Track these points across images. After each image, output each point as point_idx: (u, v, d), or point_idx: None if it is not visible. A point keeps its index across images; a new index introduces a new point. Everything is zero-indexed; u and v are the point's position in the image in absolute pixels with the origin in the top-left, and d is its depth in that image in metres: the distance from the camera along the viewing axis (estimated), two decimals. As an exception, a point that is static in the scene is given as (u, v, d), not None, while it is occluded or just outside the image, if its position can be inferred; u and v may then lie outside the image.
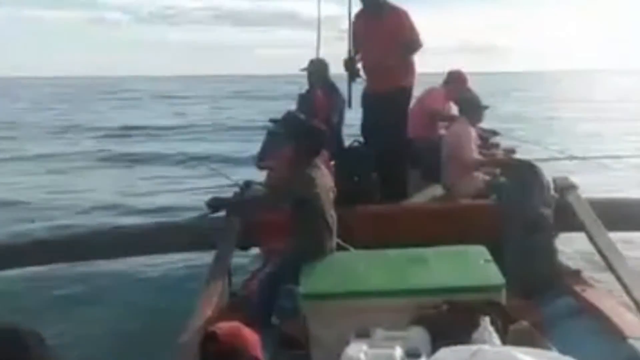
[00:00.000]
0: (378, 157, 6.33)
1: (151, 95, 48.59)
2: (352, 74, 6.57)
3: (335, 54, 6.93)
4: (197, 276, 5.61)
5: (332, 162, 6.01)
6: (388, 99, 6.34)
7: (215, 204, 5.11)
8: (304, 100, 6.91)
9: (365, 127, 6.64)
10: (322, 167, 4.84)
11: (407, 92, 6.54)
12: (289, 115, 6.22)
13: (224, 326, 2.62)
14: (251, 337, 2.61)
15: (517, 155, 6.88)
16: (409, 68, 6.48)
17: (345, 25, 6.61)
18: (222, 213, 5.30)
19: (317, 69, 6.94)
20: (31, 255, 5.43)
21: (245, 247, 5.35)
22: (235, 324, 2.71)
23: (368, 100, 6.57)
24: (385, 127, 6.36)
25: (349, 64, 6.55)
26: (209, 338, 2.56)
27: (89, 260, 6.10)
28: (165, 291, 7.56)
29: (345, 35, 6.59)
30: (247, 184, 5.69)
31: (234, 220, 5.12)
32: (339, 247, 4.75)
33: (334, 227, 4.69)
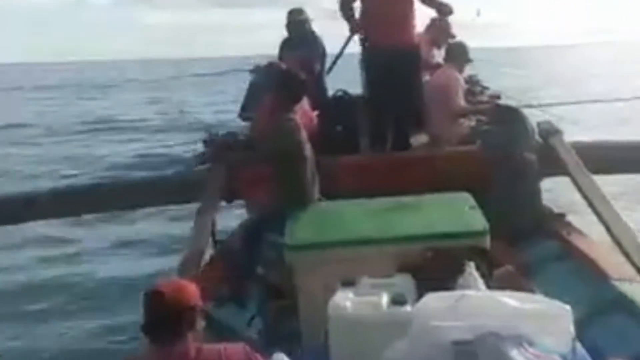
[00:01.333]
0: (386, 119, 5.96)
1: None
2: (349, 19, 6.13)
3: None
4: (182, 228, 5.61)
5: (316, 112, 5.94)
6: (403, 56, 5.90)
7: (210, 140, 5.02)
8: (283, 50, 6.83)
9: (375, 87, 6.10)
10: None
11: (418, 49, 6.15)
12: (269, 65, 6.14)
13: (165, 284, 2.55)
14: (192, 289, 2.56)
15: (502, 101, 6.83)
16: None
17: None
18: (205, 165, 5.27)
19: (296, 19, 6.82)
20: (17, 212, 5.41)
21: (229, 200, 5.33)
22: (173, 280, 2.68)
23: (379, 58, 6.00)
24: (403, 90, 5.87)
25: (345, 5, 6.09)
26: (155, 297, 2.48)
27: (74, 216, 6.08)
28: (151, 243, 7.59)
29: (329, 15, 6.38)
30: (232, 134, 5.63)
31: (218, 172, 5.08)
32: (322, 198, 4.73)
33: (316, 177, 4.67)
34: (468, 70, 6.92)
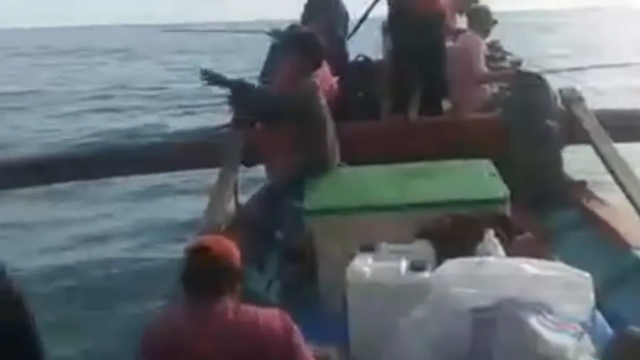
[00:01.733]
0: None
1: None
2: None
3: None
4: (203, 193, 5.62)
5: (336, 78, 5.91)
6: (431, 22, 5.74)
7: (212, 78, 4.90)
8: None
9: (403, 53, 5.88)
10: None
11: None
12: (290, 29, 6.09)
13: (212, 241, 2.53)
14: (236, 250, 2.55)
15: (524, 68, 6.75)
16: None
17: None
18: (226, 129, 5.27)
19: None
20: (31, 175, 5.44)
21: (249, 164, 5.34)
22: (218, 238, 2.64)
23: (408, 23, 5.77)
24: (431, 57, 5.73)
25: None
26: (201, 252, 2.46)
27: (95, 179, 6.13)
28: (172, 207, 7.65)
29: None
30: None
31: (238, 136, 5.08)
32: (342, 164, 4.72)
33: (336, 142, 4.65)
34: (492, 36, 6.82)
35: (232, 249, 2.53)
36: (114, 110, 14.35)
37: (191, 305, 2.48)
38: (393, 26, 6.00)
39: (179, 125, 11.48)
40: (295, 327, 2.55)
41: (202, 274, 2.43)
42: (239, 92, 4.82)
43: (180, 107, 13.89)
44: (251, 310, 2.50)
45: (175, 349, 2.41)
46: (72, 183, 6.53)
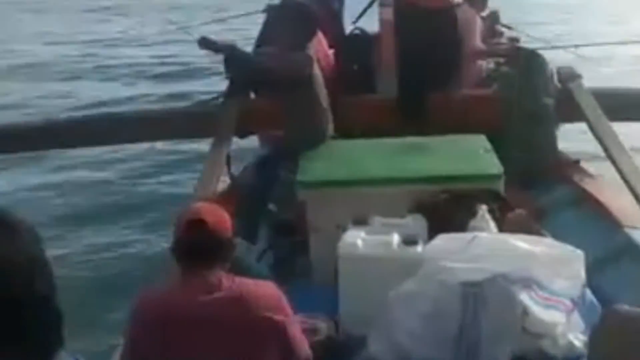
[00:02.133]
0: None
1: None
2: None
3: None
4: (197, 162, 5.60)
5: (332, 50, 5.86)
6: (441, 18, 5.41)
7: (208, 44, 4.89)
8: None
9: (409, 55, 5.48)
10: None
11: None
12: (285, 1, 6.03)
13: (206, 211, 2.50)
14: (229, 220, 2.53)
15: (522, 44, 6.71)
16: None
17: None
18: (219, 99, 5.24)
19: None
20: (25, 140, 5.42)
21: (243, 135, 5.30)
22: (212, 206, 2.61)
23: (415, 20, 5.43)
24: (443, 59, 5.39)
25: None
26: (195, 224, 2.43)
27: (85, 147, 6.09)
28: (164, 177, 7.62)
29: None
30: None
31: (231, 106, 5.05)
32: (336, 136, 4.70)
33: (329, 115, 4.63)
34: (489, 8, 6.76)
35: (225, 219, 2.51)
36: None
37: (183, 275, 2.47)
38: (399, 22, 5.60)
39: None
40: (285, 299, 2.55)
41: (196, 245, 2.43)
42: (234, 57, 4.79)
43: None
44: (243, 281, 2.49)
45: (166, 318, 2.41)
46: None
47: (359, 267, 3.16)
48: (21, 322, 1.05)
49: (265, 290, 2.51)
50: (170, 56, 14.60)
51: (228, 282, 2.44)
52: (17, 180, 7.62)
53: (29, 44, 17.02)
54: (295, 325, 2.59)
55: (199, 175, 4.41)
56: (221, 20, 8.29)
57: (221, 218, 2.50)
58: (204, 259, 2.44)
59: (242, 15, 7.06)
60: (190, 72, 13.04)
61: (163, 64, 14.36)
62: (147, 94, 11.63)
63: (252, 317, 2.41)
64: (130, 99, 11.16)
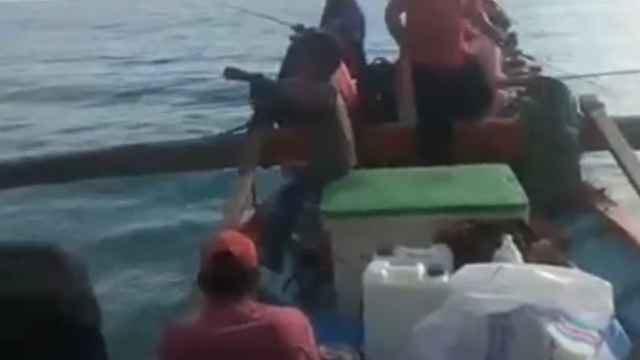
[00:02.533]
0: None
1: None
2: (398, 37, 5.60)
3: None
4: (220, 194, 5.64)
5: (354, 81, 5.91)
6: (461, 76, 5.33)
7: (234, 73, 4.95)
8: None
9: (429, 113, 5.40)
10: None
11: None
12: (308, 31, 6.10)
13: (232, 241, 2.51)
14: (254, 249, 2.56)
15: (544, 74, 6.72)
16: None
17: None
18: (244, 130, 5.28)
19: None
20: (42, 174, 5.49)
21: (266, 165, 5.35)
22: (238, 236, 2.62)
23: (430, 80, 5.33)
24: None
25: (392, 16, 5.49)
26: (222, 256, 2.45)
27: (108, 177, 6.14)
28: (190, 209, 7.66)
29: None
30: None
31: (255, 136, 5.09)
32: (359, 166, 4.72)
33: (352, 145, 4.65)
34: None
35: (251, 248, 2.54)
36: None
37: (211, 306, 2.49)
38: (415, 83, 5.51)
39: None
40: (310, 329, 2.56)
41: (223, 277, 2.44)
42: (260, 85, 4.85)
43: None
44: (273, 310, 2.51)
45: (197, 351, 2.42)
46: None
47: (384, 297, 3.15)
48: (68, 352, 1.07)
49: (294, 319, 2.53)
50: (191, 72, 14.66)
51: (258, 312, 2.46)
52: (41, 209, 7.70)
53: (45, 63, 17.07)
54: (320, 354, 2.59)
55: (224, 205, 4.44)
56: None
57: (247, 247, 2.53)
58: (232, 290, 2.46)
59: None
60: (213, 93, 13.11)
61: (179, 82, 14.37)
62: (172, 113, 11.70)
63: (283, 347, 2.42)
64: (148, 124, 11.24)
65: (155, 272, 6.27)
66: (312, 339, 2.54)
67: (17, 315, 1.06)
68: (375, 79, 6.26)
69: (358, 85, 5.84)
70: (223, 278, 2.44)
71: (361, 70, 6.35)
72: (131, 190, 7.93)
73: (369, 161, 4.79)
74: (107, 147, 6.60)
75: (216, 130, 6.03)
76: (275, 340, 2.41)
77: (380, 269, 3.25)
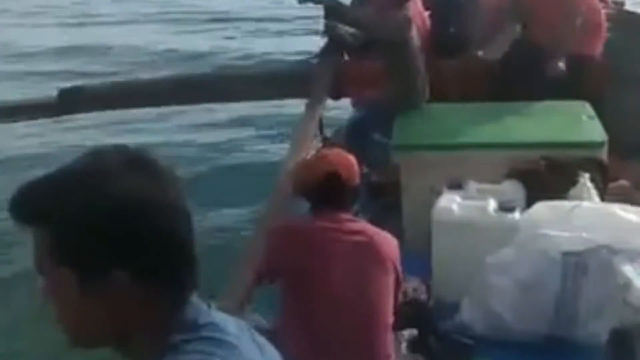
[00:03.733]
0: None
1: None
2: None
3: None
4: (290, 123, 5.61)
5: (427, 12, 5.74)
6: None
7: None
8: None
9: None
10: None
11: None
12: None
13: (341, 163, 2.69)
14: (357, 168, 2.76)
15: (628, 8, 6.42)
16: None
17: None
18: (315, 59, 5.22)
19: None
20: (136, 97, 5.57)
21: (336, 97, 5.28)
22: (344, 156, 2.77)
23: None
24: None
25: None
26: (335, 178, 2.61)
27: (173, 105, 6.18)
28: (259, 136, 7.68)
29: None
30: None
31: (326, 67, 5.02)
32: (431, 100, 4.62)
33: (426, 78, 4.54)
34: None
35: (356, 168, 2.73)
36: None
37: (317, 214, 2.67)
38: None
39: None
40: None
41: (334, 194, 2.63)
42: (335, 8, 4.76)
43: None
44: (369, 225, 2.75)
45: (307, 237, 2.60)
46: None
47: (453, 232, 3.12)
48: (160, 259, 1.07)
49: (389, 237, 2.70)
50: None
51: (360, 223, 2.72)
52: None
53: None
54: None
55: (292, 137, 4.42)
56: None
57: (353, 167, 2.72)
58: (339, 204, 2.65)
59: None
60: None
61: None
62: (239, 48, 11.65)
63: (383, 256, 2.59)
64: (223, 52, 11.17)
65: (219, 205, 6.26)
66: (396, 264, 2.65)
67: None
68: (448, 12, 6.08)
69: (432, 16, 5.67)
70: (333, 194, 2.62)
71: (435, 2, 6.17)
72: (193, 125, 7.95)
73: (440, 95, 4.68)
74: (168, 75, 6.61)
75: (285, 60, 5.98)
76: (376, 247, 2.59)
77: (450, 203, 3.21)
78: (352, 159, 2.76)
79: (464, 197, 3.25)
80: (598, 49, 5.07)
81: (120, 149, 1.11)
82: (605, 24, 5.12)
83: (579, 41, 4.92)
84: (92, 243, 1.05)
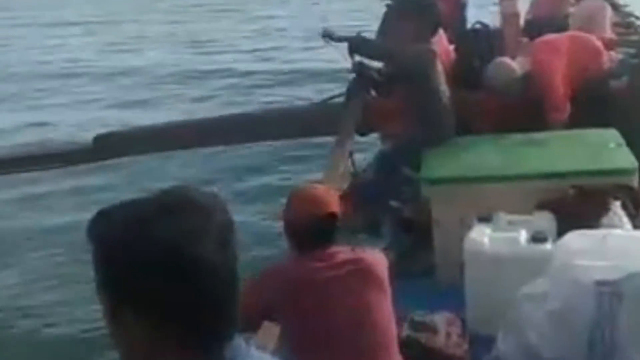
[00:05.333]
0: None
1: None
2: None
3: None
4: (321, 160, 5.65)
5: (452, 46, 5.78)
6: None
7: (331, 33, 4.95)
8: None
9: None
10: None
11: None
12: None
13: (326, 199, 2.64)
14: (337, 200, 2.71)
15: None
16: None
17: None
18: (340, 98, 5.27)
19: None
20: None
21: (364, 133, 5.33)
22: (325, 190, 2.76)
23: None
24: None
25: None
26: (322, 217, 2.58)
27: (208, 146, 6.26)
28: (288, 174, 7.74)
29: None
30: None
31: (354, 104, 5.08)
32: (459, 132, 4.63)
33: (452, 111, 4.56)
34: None
35: (336, 199, 2.68)
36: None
37: (301, 250, 2.61)
38: None
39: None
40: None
41: (322, 231, 2.58)
42: (359, 43, 4.81)
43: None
44: (360, 249, 2.67)
45: (297, 281, 2.54)
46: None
47: (485, 264, 3.12)
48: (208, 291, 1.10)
49: (378, 256, 2.68)
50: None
51: (346, 251, 2.60)
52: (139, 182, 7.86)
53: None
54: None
55: (323, 172, 4.46)
56: None
57: (336, 201, 2.66)
58: (326, 240, 2.59)
59: None
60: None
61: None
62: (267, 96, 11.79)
63: (374, 277, 2.56)
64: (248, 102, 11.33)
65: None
66: (388, 277, 2.63)
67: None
68: (474, 44, 6.11)
69: (456, 49, 5.71)
70: (323, 234, 2.58)
71: (460, 34, 6.21)
72: (222, 160, 8.03)
73: (466, 127, 4.70)
74: (196, 119, 6.70)
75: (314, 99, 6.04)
76: (371, 270, 2.56)
77: (482, 235, 3.21)
78: (333, 192, 2.76)
79: (495, 229, 3.25)
80: None
81: (164, 194, 1.15)
82: None
83: None
84: (109, 276, 1.11)
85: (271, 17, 19.70)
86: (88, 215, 1.16)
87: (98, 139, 5.47)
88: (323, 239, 2.58)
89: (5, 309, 5.56)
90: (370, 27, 5.92)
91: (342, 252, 2.60)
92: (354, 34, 4.92)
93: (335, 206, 2.62)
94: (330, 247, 2.60)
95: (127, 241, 1.08)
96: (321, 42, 5.03)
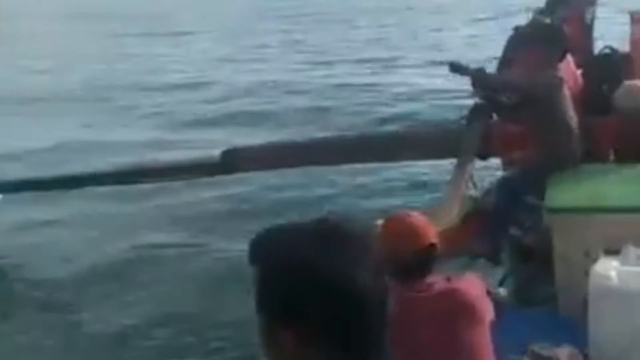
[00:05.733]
0: None
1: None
2: None
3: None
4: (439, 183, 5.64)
5: (580, 71, 5.64)
6: None
7: (458, 66, 4.95)
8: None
9: None
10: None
11: None
12: (535, 19, 5.89)
13: (423, 229, 2.65)
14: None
15: None
16: None
17: None
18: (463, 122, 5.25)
19: None
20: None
21: (484, 157, 5.27)
22: (420, 220, 2.72)
23: None
24: None
25: None
26: (428, 250, 2.62)
27: (314, 166, 6.33)
28: (408, 195, 7.73)
29: None
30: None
31: (475, 128, 5.04)
32: (585, 160, 4.51)
33: (579, 138, 4.45)
34: None
35: (434, 231, 2.70)
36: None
37: (407, 287, 2.60)
38: None
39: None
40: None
41: (421, 264, 2.63)
42: (482, 77, 4.79)
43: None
44: (455, 276, 2.70)
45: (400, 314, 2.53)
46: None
47: (613, 300, 3.02)
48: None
49: (473, 282, 2.68)
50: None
51: (439, 282, 2.63)
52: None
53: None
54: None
55: (442, 196, 4.46)
56: None
57: (432, 230, 2.69)
58: (426, 273, 2.64)
59: None
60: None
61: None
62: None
63: (460, 306, 2.57)
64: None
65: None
66: (486, 303, 2.63)
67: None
68: (602, 69, 5.95)
69: (584, 75, 5.57)
70: (421, 266, 2.63)
71: (587, 60, 6.05)
72: (343, 176, 8.06)
73: (594, 155, 4.57)
74: (322, 136, 6.79)
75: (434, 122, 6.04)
76: (465, 300, 2.57)
77: (608, 269, 3.11)
78: (424, 220, 2.72)
79: (623, 263, 3.15)
80: None
81: (321, 222, 1.19)
82: None
83: None
84: (269, 299, 1.16)
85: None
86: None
87: (226, 153, 5.66)
88: (420, 270, 2.62)
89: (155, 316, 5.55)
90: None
91: (437, 282, 2.62)
92: (478, 67, 4.90)
93: (433, 237, 2.65)
94: (427, 277, 2.62)
95: (289, 269, 1.14)
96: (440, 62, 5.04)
